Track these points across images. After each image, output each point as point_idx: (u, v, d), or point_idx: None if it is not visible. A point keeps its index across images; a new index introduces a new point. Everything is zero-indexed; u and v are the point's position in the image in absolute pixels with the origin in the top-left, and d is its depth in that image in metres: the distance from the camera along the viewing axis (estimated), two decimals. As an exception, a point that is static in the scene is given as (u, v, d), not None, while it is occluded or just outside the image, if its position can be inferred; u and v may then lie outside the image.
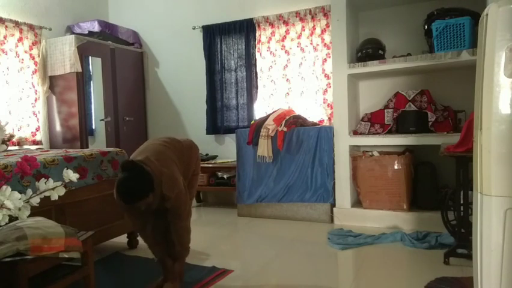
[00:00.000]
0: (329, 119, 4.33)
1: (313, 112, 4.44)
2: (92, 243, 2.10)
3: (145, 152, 2.20)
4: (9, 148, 3.71)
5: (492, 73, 1.50)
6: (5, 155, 2.73)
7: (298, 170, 3.94)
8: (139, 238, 2.88)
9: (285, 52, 4.57)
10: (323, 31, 4.33)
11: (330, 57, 4.20)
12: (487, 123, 1.52)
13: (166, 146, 2.34)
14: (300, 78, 4.50)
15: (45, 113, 4.63)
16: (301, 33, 4.47)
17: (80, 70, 4.41)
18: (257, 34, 4.69)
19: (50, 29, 4.70)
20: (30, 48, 4.48)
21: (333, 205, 3.83)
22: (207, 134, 5.01)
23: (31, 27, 4.48)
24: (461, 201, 2.67)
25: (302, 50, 4.47)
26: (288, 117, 4.04)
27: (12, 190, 1.59)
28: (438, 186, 3.58)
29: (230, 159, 4.73)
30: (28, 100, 4.43)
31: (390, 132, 3.80)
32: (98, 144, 4.76)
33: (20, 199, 1.59)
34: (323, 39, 4.34)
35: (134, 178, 2.00)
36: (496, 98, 1.49)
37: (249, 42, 4.75)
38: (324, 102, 4.38)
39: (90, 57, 4.73)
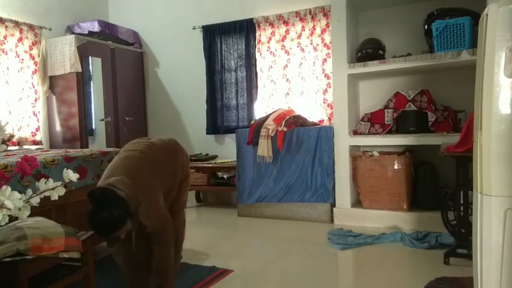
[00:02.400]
0: (329, 119, 4.33)
1: (313, 112, 4.44)
2: (92, 243, 2.10)
3: (118, 170, 1.98)
4: (9, 148, 3.71)
5: (492, 73, 1.50)
6: (5, 155, 2.73)
7: (298, 170, 3.94)
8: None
9: (285, 52, 4.57)
10: (323, 31, 4.33)
11: (330, 57, 4.20)
12: (487, 123, 1.52)
13: (145, 159, 2.11)
14: (300, 78, 4.50)
15: (45, 113, 4.63)
16: (301, 33, 4.47)
17: (80, 70, 4.41)
18: (257, 34, 4.69)
19: (50, 29, 4.70)
20: (30, 48, 4.48)
21: (333, 205, 3.83)
22: (207, 134, 5.01)
23: (31, 27, 4.48)
24: (461, 201, 2.66)
25: (302, 50, 4.47)
26: (288, 117, 4.04)
27: (12, 190, 1.58)
28: (438, 186, 3.58)
29: (230, 159, 4.73)
30: (28, 100, 4.43)
31: (390, 132, 3.79)
32: (98, 144, 4.76)
33: (20, 199, 1.59)
34: (323, 39, 4.34)
35: (106, 207, 1.77)
36: (496, 98, 1.49)
37: (249, 42, 4.75)
38: (324, 102, 4.38)
39: (90, 57, 4.74)
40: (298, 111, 4.37)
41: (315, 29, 4.38)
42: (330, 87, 4.26)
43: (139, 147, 2.18)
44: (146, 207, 1.93)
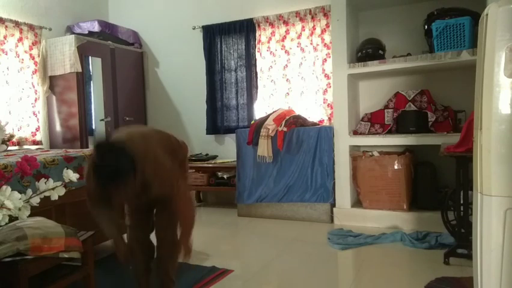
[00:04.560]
0: (329, 119, 4.33)
1: (313, 112, 4.44)
2: (92, 243, 2.10)
3: (127, 131, 1.96)
4: (9, 148, 3.71)
5: (492, 73, 1.50)
6: (5, 155, 2.73)
7: (298, 170, 3.94)
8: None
9: (285, 52, 4.57)
10: (323, 31, 4.33)
11: (330, 57, 4.20)
12: (487, 123, 1.52)
13: (157, 132, 2.10)
14: (300, 78, 4.50)
15: (45, 113, 4.63)
16: (301, 33, 4.47)
17: (80, 70, 4.41)
18: (257, 34, 4.68)
19: (50, 29, 4.70)
20: (30, 48, 4.48)
21: (333, 205, 3.83)
22: (207, 134, 5.01)
23: (31, 27, 4.48)
24: (461, 201, 2.67)
25: (302, 50, 4.47)
26: (288, 117, 4.04)
27: (12, 190, 1.58)
28: (438, 186, 3.58)
29: (230, 159, 4.73)
30: (28, 100, 4.43)
31: (390, 132, 3.79)
32: (98, 144, 4.75)
33: (20, 199, 1.59)
34: (323, 39, 4.34)
35: (113, 158, 1.70)
36: (496, 98, 1.49)
37: (249, 42, 4.75)
38: (324, 102, 4.38)
39: (90, 57, 4.73)
40: (298, 111, 4.37)
41: (315, 29, 4.38)
42: (330, 87, 4.25)
43: (147, 127, 2.15)
44: (154, 160, 1.85)
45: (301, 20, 4.45)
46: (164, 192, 1.91)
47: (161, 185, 1.88)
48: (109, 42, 4.88)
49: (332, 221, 3.81)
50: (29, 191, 1.69)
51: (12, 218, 1.65)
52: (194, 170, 4.57)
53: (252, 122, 4.30)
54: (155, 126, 5.38)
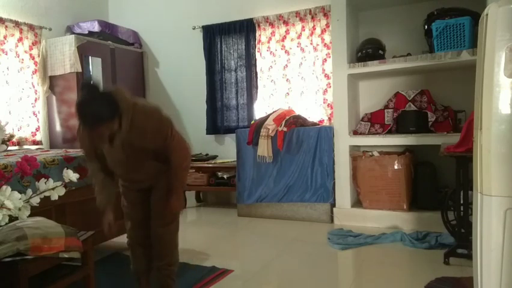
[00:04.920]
0: (329, 119, 4.32)
1: (313, 112, 4.44)
2: (92, 243, 2.10)
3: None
4: (9, 148, 3.71)
5: (492, 73, 1.50)
6: (5, 155, 2.73)
7: (298, 170, 3.94)
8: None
9: (285, 52, 4.57)
10: (323, 31, 4.33)
11: (330, 57, 4.19)
12: (487, 123, 1.52)
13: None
14: (300, 78, 4.50)
15: (45, 113, 4.63)
16: (301, 33, 4.47)
17: (80, 70, 4.41)
18: (257, 34, 4.68)
19: (50, 29, 4.70)
20: (30, 48, 4.48)
21: (333, 205, 3.83)
22: (207, 134, 5.01)
23: (31, 27, 4.48)
24: (461, 201, 2.67)
25: (302, 50, 4.47)
26: (288, 117, 4.04)
27: (12, 190, 1.58)
28: (438, 186, 3.58)
29: (230, 159, 4.73)
30: (28, 100, 4.43)
31: (390, 132, 3.79)
32: (98, 144, 4.75)
33: (20, 199, 1.59)
34: (323, 39, 4.34)
35: (97, 97, 1.76)
36: (496, 98, 1.49)
37: (249, 42, 4.74)
38: (324, 102, 4.38)
39: (90, 57, 4.73)
40: (298, 111, 4.37)
41: (315, 29, 4.38)
42: (330, 87, 4.25)
43: None
44: (142, 113, 1.90)
45: (301, 20, 4.45)
46: (159, 142, 1.95)
47: (155, 136, 1.93)
48: (109, 42, 4.88)
49: (332, 221, 3.81)
50: (29, 191, 1.69)
51: (12, 218, 1.65)
52: (194, 170, 4.57)
53: (252, 122, 4.30)
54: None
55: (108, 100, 1.77)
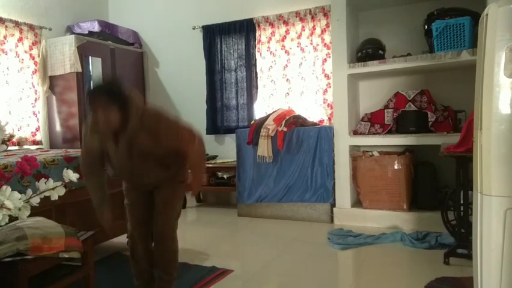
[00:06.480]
0: (329, 119, 4.32)
1: (313, 112, 4.44)
2: (92, 243, 2.10)
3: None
4: (9, 148, 3.71)
5: (492, 73, 1.50)
6: (5, 155, 2.73)
7: (298, 170, 3.94)
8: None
9: (285, 52, 4.57)
10: (323, 31, 4.33)
11: (330, 57, 4.19)
12: (487, 123, 1.52)
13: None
14: (300, 78, 4.50)
15: (45, 113, 4.63)
16: (301, 33, 4.47)
17: (80, 70, 4.41)
18: (257, 34, 4.68)
19: (50, 29, 4.70)
20: (30, 48, 4.48)
21: (333, 205, 3.83)
22: (207, 134, 5.01)
23: (31, 27, 4.48)
24: (461, 201, 2.67)
25: (302, 50, 4.47)
26: (288, 117, 4.04)
27: (12, 190, 1.58)
28: (438, 186, 3.58)
29: (230, 159, 4.73)
30: (28, 100, 4.43)
31: (390, 132, 3.79)
32: (98, 144, 4.75)
33: (20, 199, 1.59)
34: (323, 39, 4.34)
35: (108, 83, 1.96)
36: (496, 98, 1.49)
37: (249, 42, 4.74)
38: (324, 102, 4.38)
39: (90, 57, 4.72)
40: (298, 111, 4.37)
41: (315, 29, 4.38)
42: (330, 87, 4.25)
43: None
44: (153, 115, 2.02)
45: (301, 20, 4.45)
46: (172, 141, 2.01)
47: (167, 137, 1.99)
48: (109, 42, 4.88)
49: (332, 221, 3.81)
50: (29, 191, 1.69)
51: (12, 218, 1.65)
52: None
53: (252, 122, 4.30)
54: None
55: (118, 89, 1.90)
